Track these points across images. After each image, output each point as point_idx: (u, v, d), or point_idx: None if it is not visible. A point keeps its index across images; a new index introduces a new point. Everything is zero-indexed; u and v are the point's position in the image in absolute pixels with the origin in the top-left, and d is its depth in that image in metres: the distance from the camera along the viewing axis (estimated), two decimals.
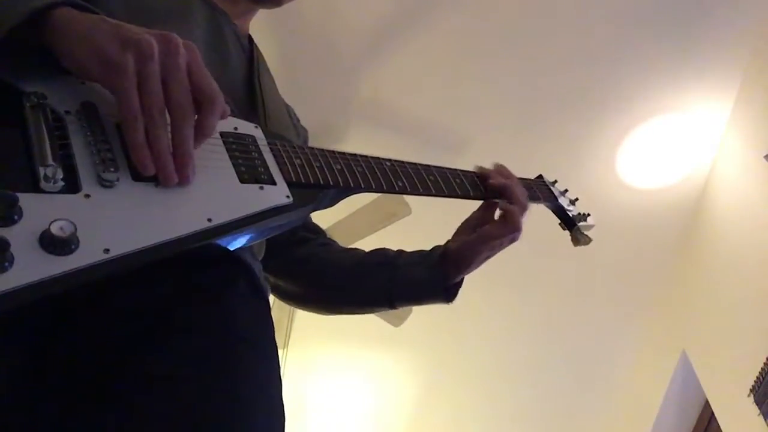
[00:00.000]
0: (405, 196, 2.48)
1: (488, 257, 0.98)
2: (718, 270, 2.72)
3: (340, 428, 3.59)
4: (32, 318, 0.56)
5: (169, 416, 0.55)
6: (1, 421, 0.54)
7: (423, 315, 2.81)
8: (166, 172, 0.60)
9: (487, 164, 1.03)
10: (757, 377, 2.27)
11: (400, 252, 1.04)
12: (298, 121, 1.08)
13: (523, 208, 0.97)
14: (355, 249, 1.09)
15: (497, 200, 0.98)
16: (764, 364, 2.23)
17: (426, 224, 2.64)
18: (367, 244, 1.19)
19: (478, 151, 2.72)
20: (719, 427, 2.58)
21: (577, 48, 2.57)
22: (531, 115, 2.72)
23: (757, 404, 2.25)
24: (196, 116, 0.62)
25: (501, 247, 0.97)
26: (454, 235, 1.02)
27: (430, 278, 0.98)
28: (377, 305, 1.05)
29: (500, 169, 1.02)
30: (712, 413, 2.74)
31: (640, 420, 3.18)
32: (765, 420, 2.19)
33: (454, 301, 1.00)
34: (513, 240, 0.98)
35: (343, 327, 3.15)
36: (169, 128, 0.61)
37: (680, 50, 2.51)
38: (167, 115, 0.61)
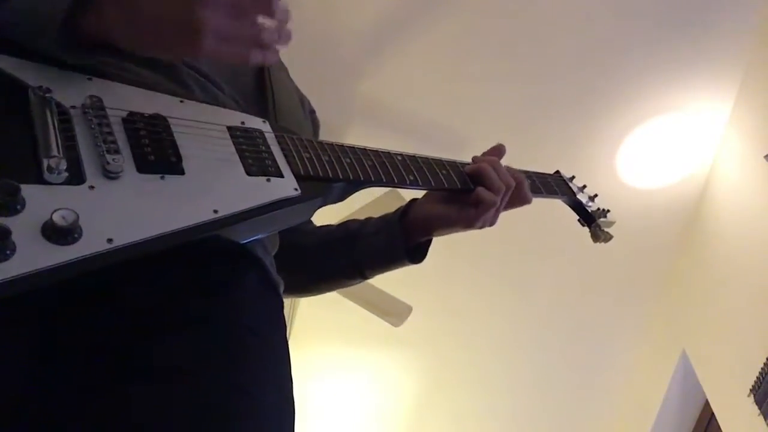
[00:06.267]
0: (404, 195, 2.50)
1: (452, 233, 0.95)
2: (718, 270, 2.72)
3: (340, 428, 3.58)
4: (42, 305, 0.56)
5: (170, 409, 0.55)
6: (18, 405, 0.54)
7: (424, 315, 2.81)
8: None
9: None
10: (757, 377, 2.27)
11: (365, 221, 1.02)
12: (313, 111, 1.08)
13: (498, 190, 0.92)
14: (325, 227, 1.07)
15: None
16: (764, 364, 2.23)
17: None
18: None
19: (478, 152, 2.70)
20: (719, 427, 2.58)
21: (577, 48, 2.57)
22: (531, 115, 2.72)
23: (757, 404, 2.25)
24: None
25: (465, 228, 0.94)
26: (423, 196, 0.97)
27: (391, 245, 0.96)
28: (347, 278, 1.03)
29: (491, 150, 0.99)
30: (712, 413, 2.74)
31: (640, 420, 3.18)
32: (765, 420, 2.19)
33: (423, 261, 0.97)
34: (482, 223, 0.93)
35: (344, 327, 3.15)
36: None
37: (680, 50, 2.51)
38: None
